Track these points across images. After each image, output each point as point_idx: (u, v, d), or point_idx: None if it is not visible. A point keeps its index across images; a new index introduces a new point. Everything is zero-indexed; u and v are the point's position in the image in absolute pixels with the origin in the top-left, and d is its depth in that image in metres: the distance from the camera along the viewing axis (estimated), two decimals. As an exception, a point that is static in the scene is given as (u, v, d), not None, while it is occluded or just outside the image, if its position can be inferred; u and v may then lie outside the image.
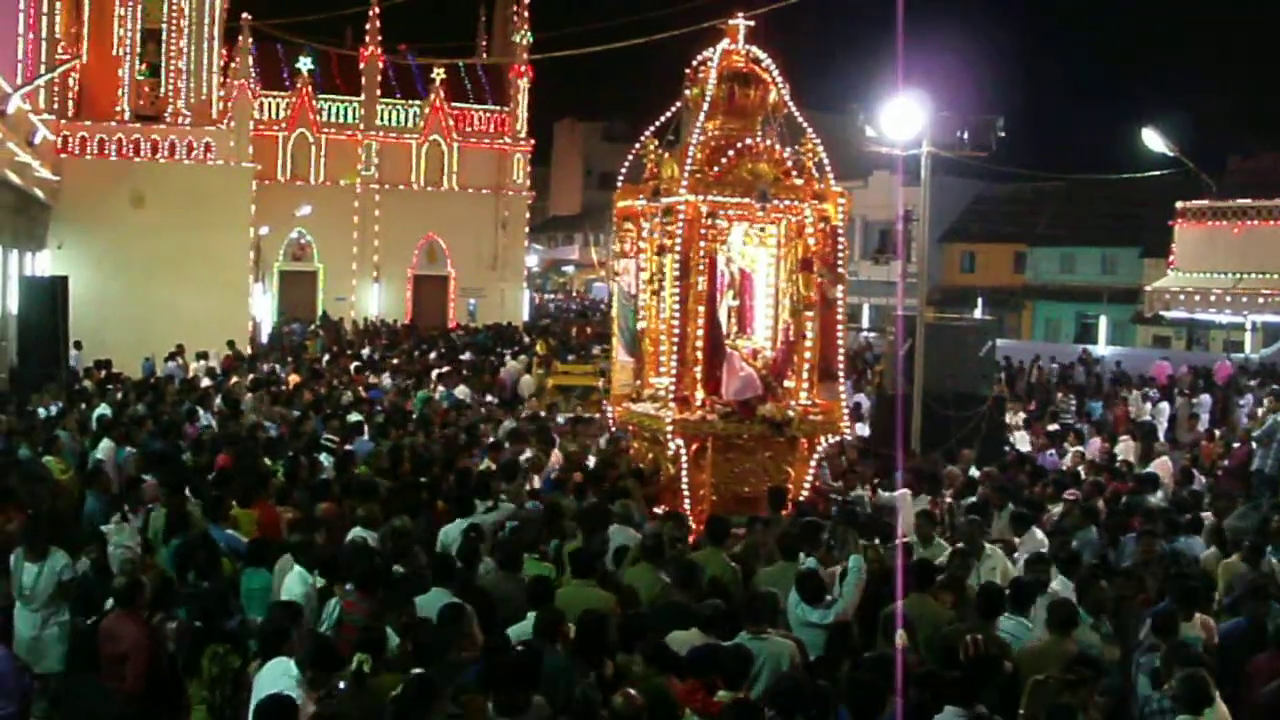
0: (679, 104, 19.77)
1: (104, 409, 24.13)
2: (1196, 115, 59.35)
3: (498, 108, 60.23)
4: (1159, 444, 27.33)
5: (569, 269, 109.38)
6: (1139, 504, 19.36)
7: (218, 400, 26.49)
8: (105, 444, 20.31)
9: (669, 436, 18.18)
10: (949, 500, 19.33)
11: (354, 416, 24.30)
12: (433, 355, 40.09)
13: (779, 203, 18.63)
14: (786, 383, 18.92)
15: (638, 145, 19.94)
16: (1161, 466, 24.03)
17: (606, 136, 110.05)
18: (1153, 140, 31.45)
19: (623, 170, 21.04)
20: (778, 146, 18.92)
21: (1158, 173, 38.14)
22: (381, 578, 12.46)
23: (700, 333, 18.19)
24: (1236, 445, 26.68)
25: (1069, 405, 34.71)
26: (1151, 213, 58.31)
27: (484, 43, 62.91)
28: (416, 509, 16.17)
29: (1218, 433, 30.13)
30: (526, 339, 48.00)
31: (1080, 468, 23.44)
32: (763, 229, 19.42)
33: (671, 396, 18.18)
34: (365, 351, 41.25)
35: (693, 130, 18.78)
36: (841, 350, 19.44)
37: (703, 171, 18.18)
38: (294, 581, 12.47)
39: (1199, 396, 35.85)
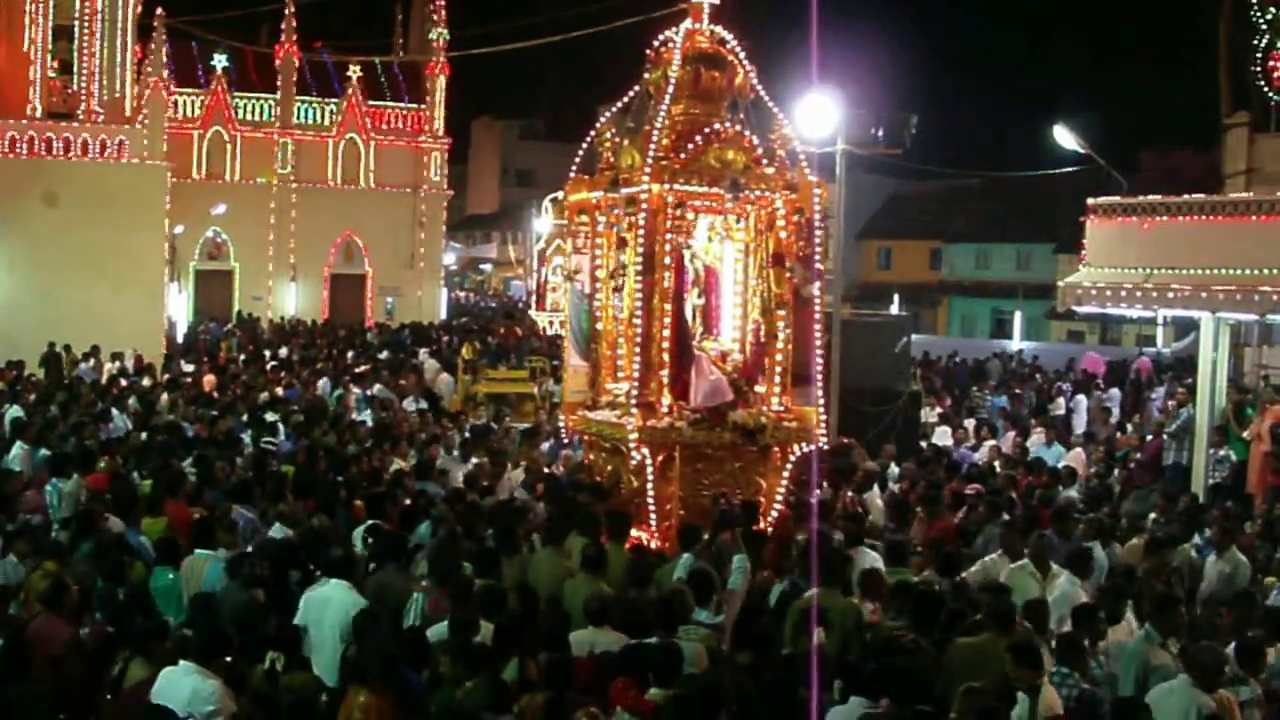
0: (638, 88, 18.32)
1: (16, 411, 23.89)
2: (1110, 111, 60.19)
3: (414, 105, 59.90)
4: (1074, 436, 27.69)
5: (487, 267, 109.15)
6: (1053, 497, 19.59)
7: (132, 401, 26.32)
8: (19, 447, 20.10)
9: (633, 446, 16.69)
10: (850, 494, 19.33)
11: (270, 416, 24.19)
12: (350, 355, 39.87)
13: (750, 193, 17.23)
14: (757, 387, 17.51)
15: (592, 133, 18.59)
16: (1075, 459, 24.33)
17: (524, 135, 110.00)
18: (1064, 137, 31.65)
19: (575, 164, 19.31)
20: (747, 133, 17.56)
21: (1071, 169, 38.57)
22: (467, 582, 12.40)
23: (666, 333, 16.76)
24: (1149, 438, 27.02)
25: (985, 400, 35.02)
26: (1065, 209, 59.09)
27: (400, 40, 62.59)
28: (332, 508, 16.13)
29: (1130, 426, 30.51)
30: (445, 338, 47.75)
31: (996, 461, 23.68)
32: (729, 221, 18.01)
33: (634, 403, 16.74)
34: (283, 351, 40.95)
35: (656, 114, 17.39)
36: (820, 351, 17.78)
37: (667, 159, 16.81)
38: (342, 597, 12.12)
39: (1110, 390, 36.29)
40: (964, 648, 11.35)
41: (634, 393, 16.81)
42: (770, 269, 17.44)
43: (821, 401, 17.87)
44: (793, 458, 17.47)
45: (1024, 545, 15.19)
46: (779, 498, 17.28)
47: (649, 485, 16.74)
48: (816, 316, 17.66)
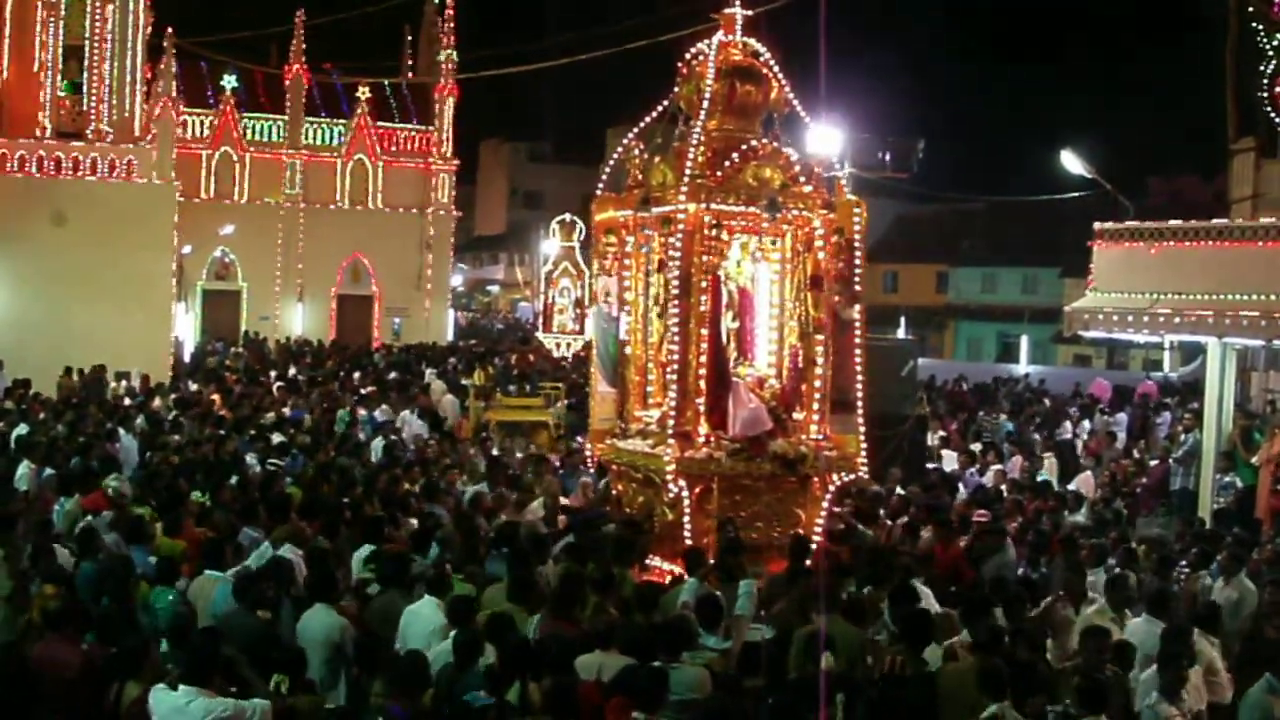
0: (667, 103, 17.75)
1: (22, 429, 23.89)
2: (1116, 136, 60.15)
3: (423, 127, 59.92)
4: (1082, 460, 27.64)
5: (494, 288, 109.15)
6: (1059, 522, 19.55)
7: (139, 420, 26.33)
8: (26, 466, 20.09)
9: (669, 478, 16.07)
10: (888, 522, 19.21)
11: (277, 437, 24.17)
12: (357, 375, 39.82)
13: (788, 212, 16.59)
14: (795, 414, 16.94)
15: (619, 150, 17.97)
16: (1083, 483, 24.30)
17: (532, 156, 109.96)
18: (1071, 162, 31.68)
19: (602, 182, 18.94)
20: (785, 149, 17.05)
21: (1077, 194, 38.63)
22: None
23: (703, 359, 16.15)
24: (1155, 463, 26.95)
25: (992, 424, 34.93)
26: (1071, 233, 59.16)
27: (409, 62, 62.71)
28: (334, 529, 16.05)
29: (1136, 452, 30.44)
30: (451, 359, 47.68)
31: (1003, 486, 23.60)
32: (764, 242, 17.41)
33: (669, 432, 16.17)
34: (291, 372, 40.92)
35: (691, 130, 16.86)
36: (860, 377, 17.29)
37: (704, 177, 16.19)
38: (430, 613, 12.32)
39: (1116, 415, 36.25)
40: (948, 674, 11.30)
41: (669, 422, 16.25)
42: (808, 291, 16.98)
43: (863, 429, 17.33)
44: (832, 488, 16.95)
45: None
46: (817, 530, 16.64)
47: (685, 518, 16.12)
48: (857, 340, 17.21)
